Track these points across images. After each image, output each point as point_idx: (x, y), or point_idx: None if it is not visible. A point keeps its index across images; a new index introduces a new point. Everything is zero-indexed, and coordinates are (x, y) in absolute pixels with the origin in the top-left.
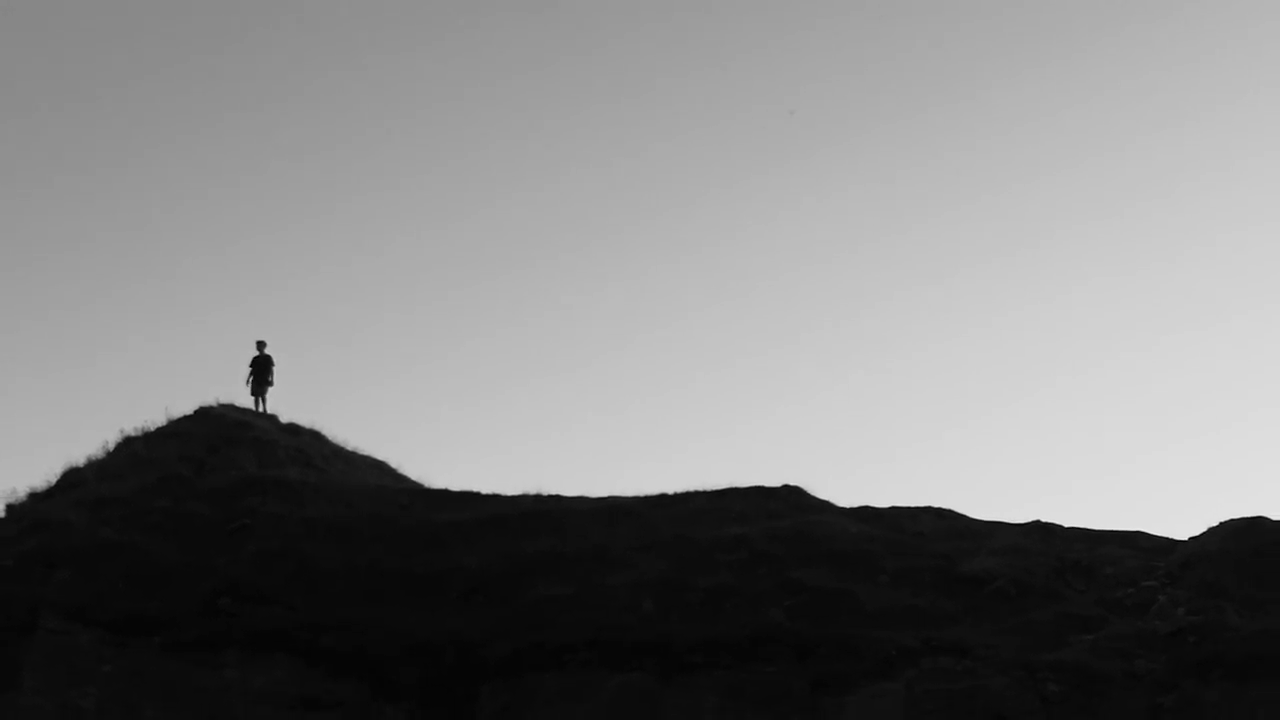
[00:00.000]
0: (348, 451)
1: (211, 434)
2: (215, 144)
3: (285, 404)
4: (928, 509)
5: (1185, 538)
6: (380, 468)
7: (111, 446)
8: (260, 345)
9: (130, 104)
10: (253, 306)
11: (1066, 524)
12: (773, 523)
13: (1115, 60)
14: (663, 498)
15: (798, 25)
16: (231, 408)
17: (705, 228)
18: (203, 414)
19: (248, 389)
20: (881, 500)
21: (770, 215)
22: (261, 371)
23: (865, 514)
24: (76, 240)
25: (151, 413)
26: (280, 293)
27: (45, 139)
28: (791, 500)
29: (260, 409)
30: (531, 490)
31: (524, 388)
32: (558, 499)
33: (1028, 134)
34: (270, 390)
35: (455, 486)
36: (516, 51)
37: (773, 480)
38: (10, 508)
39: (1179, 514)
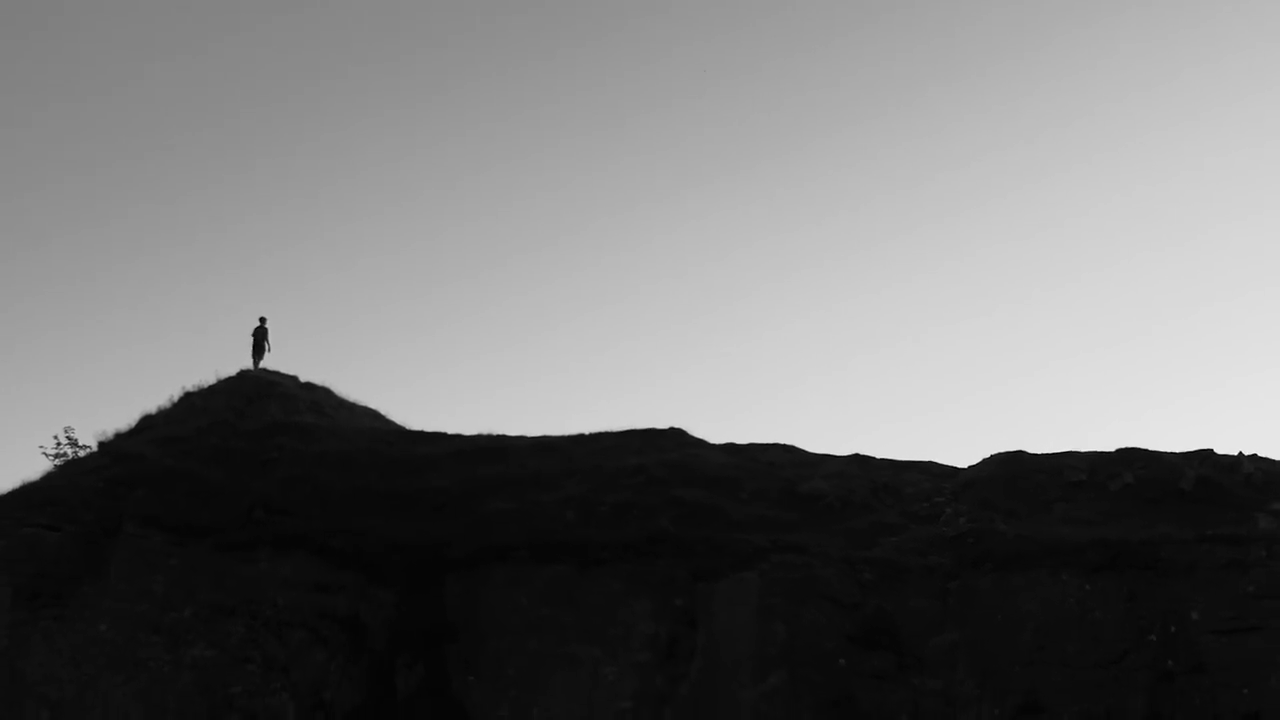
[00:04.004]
0: (350, 403)
1: (249, 390)
2: (244, 165)
3: (303, 365)
4: (776, 444)
5: (965, 466)
6: (374, 414)
7: (176, 399)
8: (261, 320)
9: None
10: (284, 296)
11: (878, 455)
12: (662, 455)
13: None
14: (581, 437)
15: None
16: (264, 370)
17: (614, 230)
18: (242, 375)
19: (250, 354)
20: (742, 437)
21: (667, 212)
22: (260, 340)
23: (730, 448)
24: (160, 247)
25: (205, 374)
26: (300, 285)
27: (60, 149)
28: (676, 439)
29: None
30: (485, 430)
31: (482, 353)
32: (504, 437)
33: (853, 107)
34: (266, 356)
35: (429, 428)
36: (510, 50)
37: (662, 423)
38: (101, 444)
39: (961, 447)
